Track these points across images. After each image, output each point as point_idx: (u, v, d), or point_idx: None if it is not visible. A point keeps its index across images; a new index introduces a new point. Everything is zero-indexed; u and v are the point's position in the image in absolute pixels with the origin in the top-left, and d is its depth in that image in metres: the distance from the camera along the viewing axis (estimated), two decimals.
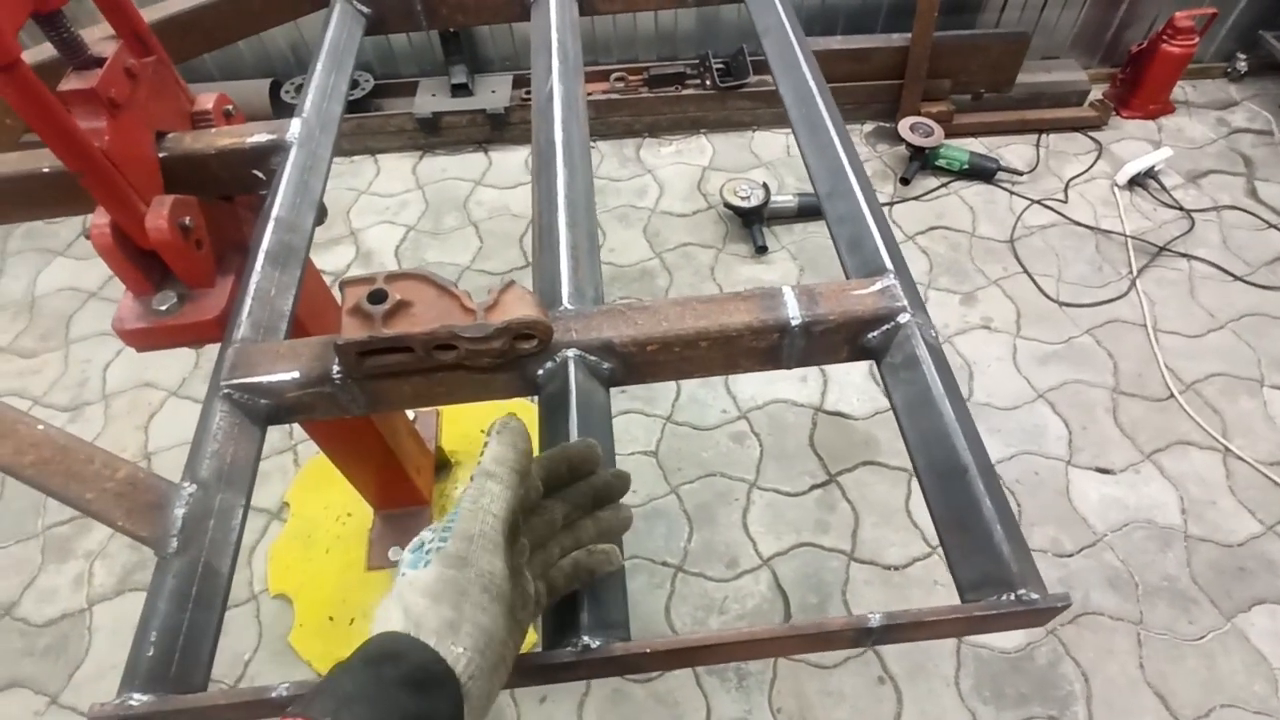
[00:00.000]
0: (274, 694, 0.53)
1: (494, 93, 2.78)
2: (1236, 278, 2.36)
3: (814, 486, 1.96)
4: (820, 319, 0.69)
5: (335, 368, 0.66)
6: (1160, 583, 1.78)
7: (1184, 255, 2.42)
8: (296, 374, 0.67)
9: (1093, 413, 2.07)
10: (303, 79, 1.04)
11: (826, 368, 2.16)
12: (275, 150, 0.91)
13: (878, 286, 0.72)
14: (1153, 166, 2.58)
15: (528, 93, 2.79)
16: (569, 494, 0.58)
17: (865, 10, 2.78)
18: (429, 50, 2.83)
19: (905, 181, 2.66)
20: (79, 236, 2.63)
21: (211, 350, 0.78)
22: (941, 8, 2.50)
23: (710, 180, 2.70)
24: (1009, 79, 2.73)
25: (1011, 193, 2.63)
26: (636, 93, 2.78)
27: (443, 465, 1.92)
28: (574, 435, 0.64)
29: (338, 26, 1.12)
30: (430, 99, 2.77)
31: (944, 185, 2.66)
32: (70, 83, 0.77)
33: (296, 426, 1.96)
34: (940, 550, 1.82)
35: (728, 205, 2.47)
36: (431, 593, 0.47)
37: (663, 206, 2.64)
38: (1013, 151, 2.77)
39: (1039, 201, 2.59)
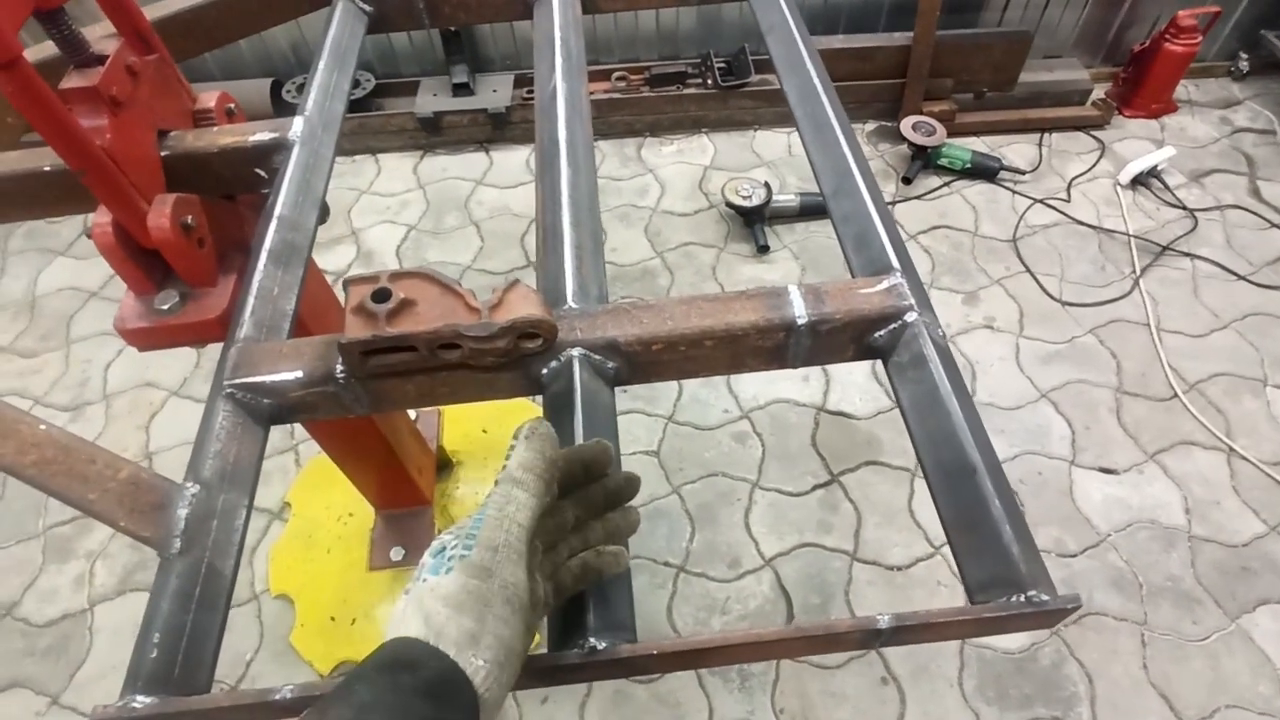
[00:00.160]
0: (278, 696, 0.52)
1: (495, 92, 2.77)
2: (1240, 277, 2.35)
3: (816, 486, 1.95)
4: (826, 318, 0.69)
5: (339, 367, 0.66)
6: (1164, 583, 1.77)
7: (1187, 255, 2.42)
8: (300, 373, 0.67)
9: (1096, 412, 2.06)
10: (303, 78, 1.03)
11: (829, 367, 2.16)
12: (278, 149, 0.91)
13: (884, 285, 0.71)
14: (1155, 166, 2.57)
15: (529, 92, 2.79)
16: (582, 497, 0.58)
17: (867, 9, 2.77)
18: (430, 50, 2.83)
19: (907, 181, 2.65)
20: (80, 236, 2.63)
21: (212, 350, 0.77)
22: (944, 7, 2.49)
23: (712, 179, 2.69)
24: (1011, 78, 2.73)
25: (1014, 192, 2.63)
26: (638, 92, 2.78)
27: (444, 465, 1.91)
28: (579, 435, 0.64)
29: (340, 25, 1.11)
30: (431, 98, 2.77)
31: (946, 184, 2.66)
32: (72, 81, 0.77)
33: (298, 426, 1.96)
34: (943, 551, 1.82)
35: (729, 204, 2.47)
36: (454, 602, 0.46)
37: (664, 206, 2.63)
38: (1015, 151, 2.76)
39: (1041, 201, 2.59)
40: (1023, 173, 2.67)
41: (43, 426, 0.65)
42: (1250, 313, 2.27)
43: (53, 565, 1.89)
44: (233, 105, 1.02)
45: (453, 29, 2.63)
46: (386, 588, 1.74)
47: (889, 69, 2.70)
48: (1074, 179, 2.65)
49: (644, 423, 2.08)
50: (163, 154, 0.89)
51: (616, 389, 0.71)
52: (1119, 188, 2.61)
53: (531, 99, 2.74)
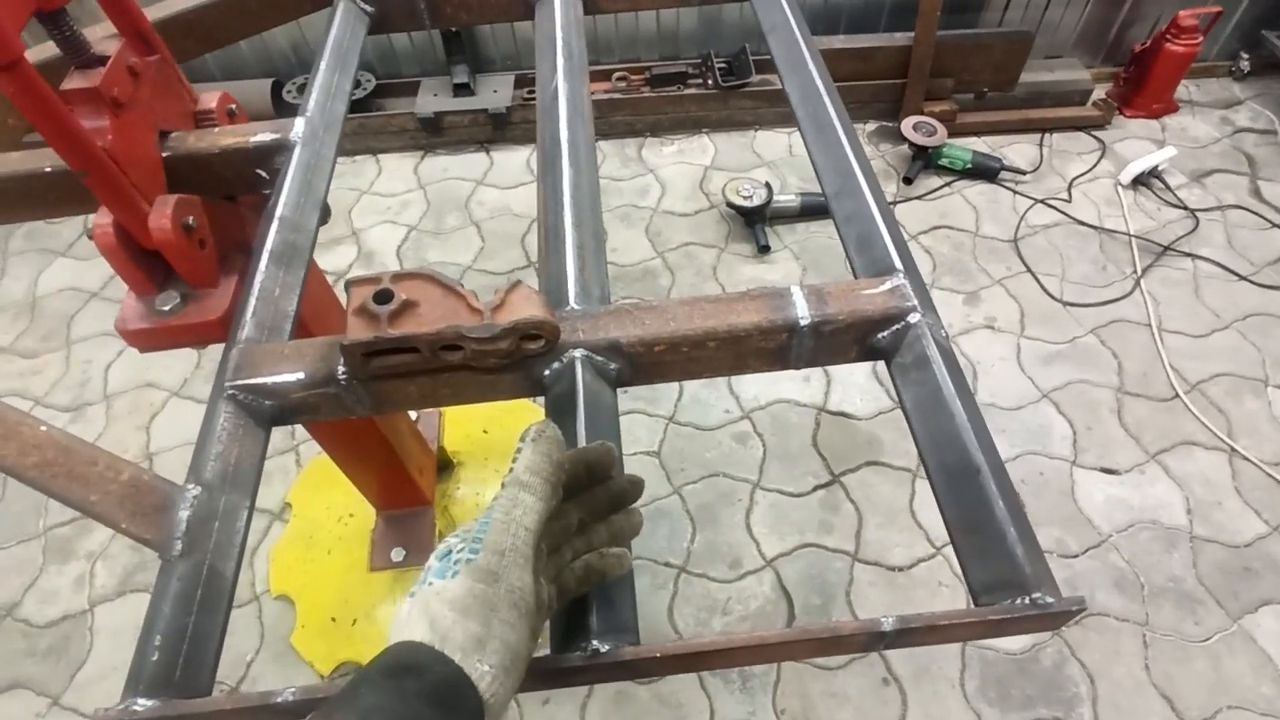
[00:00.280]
0: (279, 699, 0.52)
1: (496, 92, 2.77)
2: (1241, 277, 2.35)
3: (817, 487, 1.95)
4: (829, 319, 0.69)
5: (340, 368, 0.66)
6: (1166, 584, 1.77)
7: (1188, 255, 2.41)
8: (301, 375, 0.67)
9: (1097, 413, 2.06)
10: (304, 79, 1.03)
11: (829, 367, 2.15)
12: (279, 150, 0.91)
13: (887, 286, 0.71)
14: (1156, 166, 2.57)
15: (529, 92, 2.79)
16: (586, 499, 0.57)
17: (868, 9, 2.77)
18: (430, 50, 2.83)
19: (908, 181, 2.65)
20: (80, 236, 2.62)
21: (213, 350, 0.77)
22: (944, 7, 2.49)
23: (712, 180, 2.69)
24: (1012, 78, 2.73)
25: (1015, 192, 2.62)
26: (638, 92, 2.77)
27: (445, 465, 1.91)
28: (582, 437, 0.64)
29: (341, 25, 1.11)
30: (432, 99, 2.77)
31: (947, 185, 2.66)
32: (73, 81, 0.77)
33: (298, 427, 1.95)
34: (945, 551, 1.81)
35: (730, 205, 2.47)
36: (460, 606, 0.45)
37: (665, 206, 2.63)
38: (1016, 151, 2.76)
39: (1042, 201, 2.59)
40: (1024, 173, 2.67)
41: (44, 428, 0.65)
42: (1251, 313, 2.26)
43: (53, 566, 1.89)
44: (234, 106, 1.02)
45: (454, 29, 2.63)
46: (387, 588, 1.74)
47: (890, 69, 2.70)
48: (1075, 179, 2.65)
49: (645, 423, 2.08)
50: (164, 155, 0.89)
51: (618, 390, 0.71)
52: (1120, 188, 2.61)
53: (532, 99, 2.73)
